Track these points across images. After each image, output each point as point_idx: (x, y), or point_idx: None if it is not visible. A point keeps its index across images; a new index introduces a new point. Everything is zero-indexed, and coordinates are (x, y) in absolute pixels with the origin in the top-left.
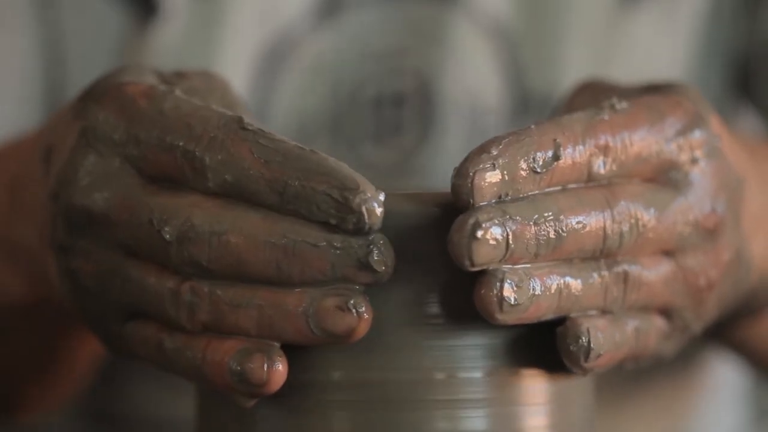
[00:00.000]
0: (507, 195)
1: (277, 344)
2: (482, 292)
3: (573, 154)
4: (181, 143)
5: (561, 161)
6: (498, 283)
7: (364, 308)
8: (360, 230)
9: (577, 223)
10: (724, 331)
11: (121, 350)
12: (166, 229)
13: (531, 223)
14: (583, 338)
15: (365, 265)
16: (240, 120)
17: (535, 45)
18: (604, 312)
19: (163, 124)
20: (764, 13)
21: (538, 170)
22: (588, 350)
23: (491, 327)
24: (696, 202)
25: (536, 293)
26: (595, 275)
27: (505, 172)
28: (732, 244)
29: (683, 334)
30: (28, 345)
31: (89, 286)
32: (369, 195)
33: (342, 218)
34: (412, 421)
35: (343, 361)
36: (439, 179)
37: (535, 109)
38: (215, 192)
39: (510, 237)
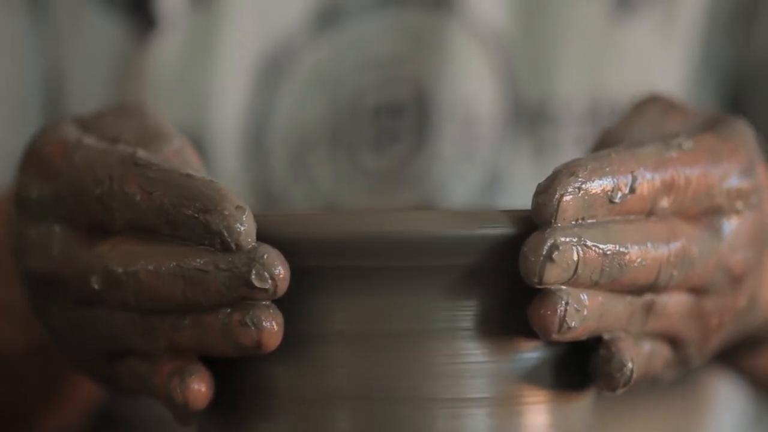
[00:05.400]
0: (582, 219)
1: (198, 365)
2: (542, 311)
3: (644, 189)
4: (91, 190)
5: (635, 194)
6: (564, 305)
7: (263, 321)
8: (228, 249)
9: (640, 260)
10: (725, 360)
11: (122, 389)
12: (93, 278)
13: (601, 252)
14: (629, 365)
15: (250, 284)
16: (132, 156)
17: (530, 54)
18: (624, 333)
19: (75, 176)
20: (757, 30)
21: (615, 200)
22: (630, 377)
23: (498, 343)
24: (731, 249)
25: (586, 316)
26: (627, 299)
27: (587, 198)
28: (750, 291)
29: (684, 366)
30: (35, 383)
31: (69, 339)
32: (227, 213)
33: (210, 239)
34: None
35: (346, 373)
36: (435, 186)
37: (527, 117)
38: (129, 230)
39: (580, 263)
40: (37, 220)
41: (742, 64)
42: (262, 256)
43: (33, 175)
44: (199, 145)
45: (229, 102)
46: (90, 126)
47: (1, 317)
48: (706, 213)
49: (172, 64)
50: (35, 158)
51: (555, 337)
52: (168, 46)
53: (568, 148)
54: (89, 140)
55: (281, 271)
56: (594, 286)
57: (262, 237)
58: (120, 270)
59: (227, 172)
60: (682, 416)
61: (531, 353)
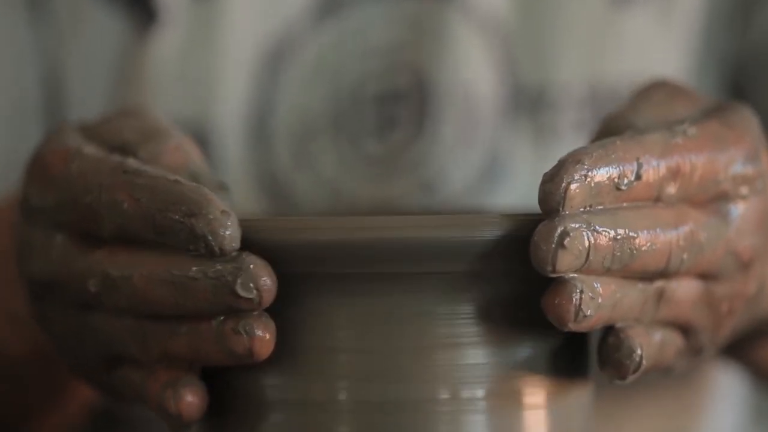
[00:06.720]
0: (590, 207)
1: (192, 376)
2: (557, 300)
3: (650, 175)
4: (82, 198)
5: (641, 181)
6: (579, 293)
7: (255, 330)
8: (212, 254)
9: (650, 244)
10: (734, 352)
11: (118, 396)
12: (91, 282)
13: (611, 237)
14: (638, 352)
15: (235, 293)
16: (122, 164)
17: (529, 41)
18: (636, 322)
19: (71, 184)
20: (758, 18)
21: (622, 187)
22: (639, 364)
23: (495, 341)
24: (738, 234)
25: (601, 304)
26: (639, 286)
27: (594, 185)
28: (759, 276)
29: (696, 355)
30: (37, 384)
31: (68, 344)
32: (211, 217)
33: (195, 244)
34: None
35: (345, 376)
36: (436, 171)
37: (526, 103)
38: (120, 237)
39: (591, 249)
40: (39, 226)
41: (743, 51)
42: (249, 266)
43: (36, 182)
44: (203, 136)
45: (231, 92)
46: (93, 132)
47: (4, 321)
48: (712, 199)
49: (174, 57)
50: (38, 166)
51: (571, 326)
52: (169, 38)
53: (568, 132)
54: (89, 149)
55: (267, 281)
56: (606, 273)
57: (254, 243)
58: (116, 274)
59: (231, 162)
60: (684, 411)
61: (530, 353)
